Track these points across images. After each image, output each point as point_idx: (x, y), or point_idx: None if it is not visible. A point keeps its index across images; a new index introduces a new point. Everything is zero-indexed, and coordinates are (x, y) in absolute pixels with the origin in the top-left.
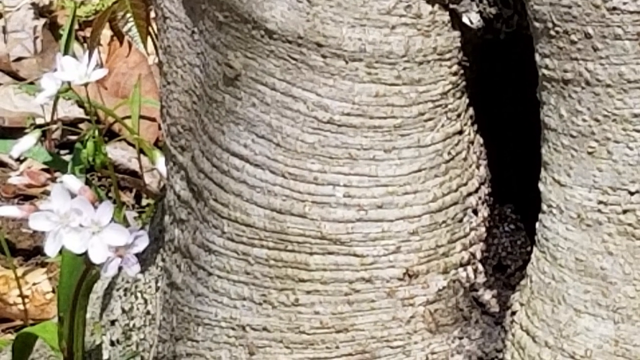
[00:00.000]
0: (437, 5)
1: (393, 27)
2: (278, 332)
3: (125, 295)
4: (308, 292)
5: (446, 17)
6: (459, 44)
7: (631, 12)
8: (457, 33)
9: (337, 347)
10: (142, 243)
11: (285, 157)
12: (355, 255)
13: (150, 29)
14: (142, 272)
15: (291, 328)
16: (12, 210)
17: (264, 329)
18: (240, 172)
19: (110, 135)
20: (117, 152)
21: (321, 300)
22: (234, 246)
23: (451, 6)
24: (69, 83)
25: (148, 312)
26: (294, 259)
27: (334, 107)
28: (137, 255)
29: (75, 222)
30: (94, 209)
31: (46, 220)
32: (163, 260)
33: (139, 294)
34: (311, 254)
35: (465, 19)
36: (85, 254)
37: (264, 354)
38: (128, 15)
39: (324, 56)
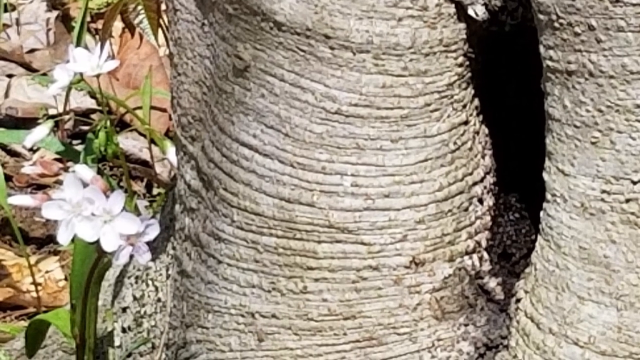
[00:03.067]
0: None
1: (400, 19)
2: (287, 319)
3: (136, 282)
4: (316, 280)
5: (452, 9)
6: (464, 36)
7: (634, 5)
8: (462, 25)
9: (345, 334)
10: (153, 231)
11: (294, 147)
12: (362, 243)
13: (161, 21)
14: (153, 260)
15: (299, 315)
16: (25, 200)
17: (273, 315)
18: (249, 162)
19: (122, 125)
20: (129, 142)
21: (329, 288)
22: (244, 234)
23: None
24: (81, 74)
25: (159, 300)
26: (303, 247)
27: (342, 98)
28: (148, 243)
29: (87, 211)
30: (106, 198)
31: (59, 209)
32: (174, 248)
33: (150, 282)
34: (319, 242)
35: (470, 11)
36: (97, 242)
37: (272, 340)
38: (139, 7)
39: (331, 48)
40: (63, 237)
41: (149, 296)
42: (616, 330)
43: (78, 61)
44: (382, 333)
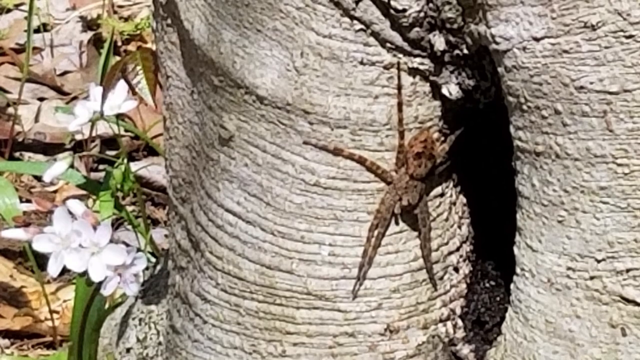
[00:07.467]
0: (418, 77)
1: (376, 96)
2: None
3: (140, 324)
4: (295, 344)
5: (427, 87)
6: (439, 113)
7: (597, 91)
8: (437, 103)
9: None
10: (141, 263)
11: (275, 216)
12: (339, 310)
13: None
14: (155, 303)
15: None
16: (18, 233)
17: None
18: (233, 228)
19: (149, 150)
20: (153, 169)
21: (307, 353)
22: (227, 297)
23: (431, 78)
24: (101, 112)
25: (160, 343)
26: (282, 312)
27: (320, 171)
28: (136, 275)
29: (75, 243)
30: (94, 231)
31: (49, 242)
32: (167, 302)
33: (152, 325)
34: (298, 308)
35: (444, 91)
36: (86, 274)
37: None
38: (138, 67)
39: (310, 123)
40: (53, 269)
41: (151, 339)
42: None
43: (98, 100)
44: None
